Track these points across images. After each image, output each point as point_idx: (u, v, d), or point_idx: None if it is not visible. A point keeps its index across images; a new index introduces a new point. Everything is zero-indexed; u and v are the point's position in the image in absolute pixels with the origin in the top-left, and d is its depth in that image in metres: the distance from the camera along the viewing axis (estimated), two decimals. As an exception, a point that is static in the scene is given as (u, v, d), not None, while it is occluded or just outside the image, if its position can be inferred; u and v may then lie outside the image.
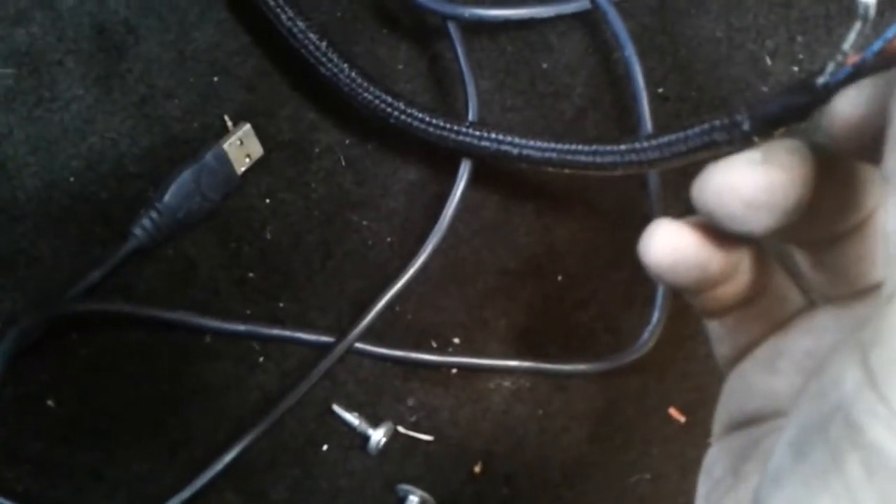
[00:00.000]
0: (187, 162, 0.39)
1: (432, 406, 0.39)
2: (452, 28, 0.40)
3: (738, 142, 0.23)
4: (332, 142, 0.42)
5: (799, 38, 0.43)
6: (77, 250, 0.38)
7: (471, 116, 0.40)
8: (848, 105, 0.24)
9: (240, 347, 0.39)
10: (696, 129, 0.25)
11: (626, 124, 0.43)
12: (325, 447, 0.38)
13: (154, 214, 0.39)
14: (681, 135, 0.26)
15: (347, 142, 0.42)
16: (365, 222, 0.42)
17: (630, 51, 0.40)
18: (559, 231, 0.42)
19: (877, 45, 0.20)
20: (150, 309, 0.38)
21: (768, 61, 0.43)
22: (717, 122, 0.24)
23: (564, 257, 0.42)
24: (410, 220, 0.42)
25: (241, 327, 0.39)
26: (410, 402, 0.39)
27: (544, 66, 0.43)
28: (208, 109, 0.41)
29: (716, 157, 0.23)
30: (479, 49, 0.42)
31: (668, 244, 0.25)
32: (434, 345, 0.41)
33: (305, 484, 0.38)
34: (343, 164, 0.42)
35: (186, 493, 0.36)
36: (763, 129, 0.23)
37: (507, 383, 0.40)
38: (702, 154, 0.25)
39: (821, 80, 0.21)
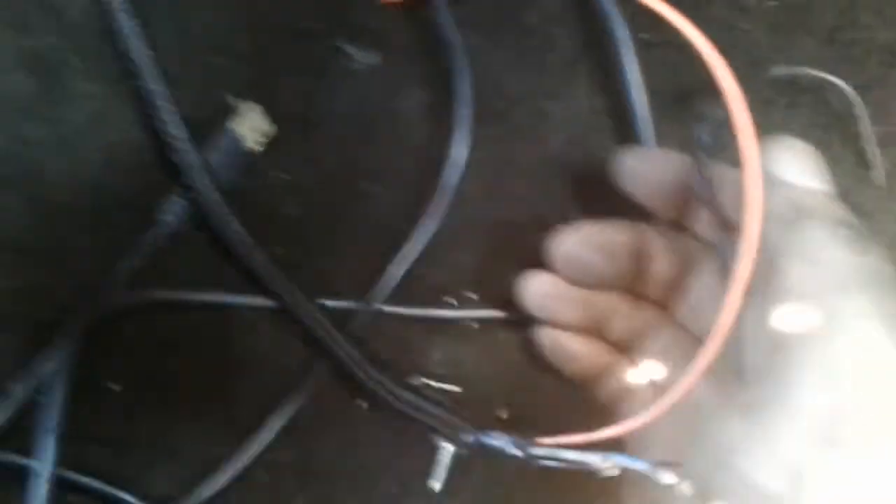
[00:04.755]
0: (201, 145, 0.41)
1: (457, 359, 0.42)
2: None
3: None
4: (335, 111, 0.44)
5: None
6: (111, 242, 0.41)
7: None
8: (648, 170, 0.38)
9: (274, 320, 0.42)
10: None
11: (615, 76, 0.44)
12: (364, 405, 0.42)
13: (177, 199, 0.42)
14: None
15: (351, 110, 0.44)
16: (377, 188, 0.44)
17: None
18: (560, 182, 0.45)
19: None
20: (190, 293, 0.41)
21: (748, -1, 0.45)
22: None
23: (566, 207, 0.45)
24: (419, 183, 0.44)
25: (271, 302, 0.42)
26: (436, 356, 0.43)
27: (530, 19, 0.45)
28: (214, 91, 0.43)
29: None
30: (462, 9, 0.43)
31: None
32: (452, 301, 0.44)
33: (349, 438, 0.42)
34: (349, 132, 0.44)
35: (243, 459, 0.40)
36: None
37: (524, 335, 0.43)
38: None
39: None
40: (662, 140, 0.44)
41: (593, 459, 0.36)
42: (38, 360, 0.39)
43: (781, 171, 0.34)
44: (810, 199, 0.33)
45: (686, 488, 0.31)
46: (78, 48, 0.42)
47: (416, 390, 0.41)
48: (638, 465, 0.35)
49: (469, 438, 0.37)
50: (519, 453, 0.36)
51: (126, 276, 0.41)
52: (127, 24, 0.41)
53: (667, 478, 0.33)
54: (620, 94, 0.44)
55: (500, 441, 0.37)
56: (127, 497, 0.40)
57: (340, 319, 0.42)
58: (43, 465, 0.39)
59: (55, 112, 0.42)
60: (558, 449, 0.37)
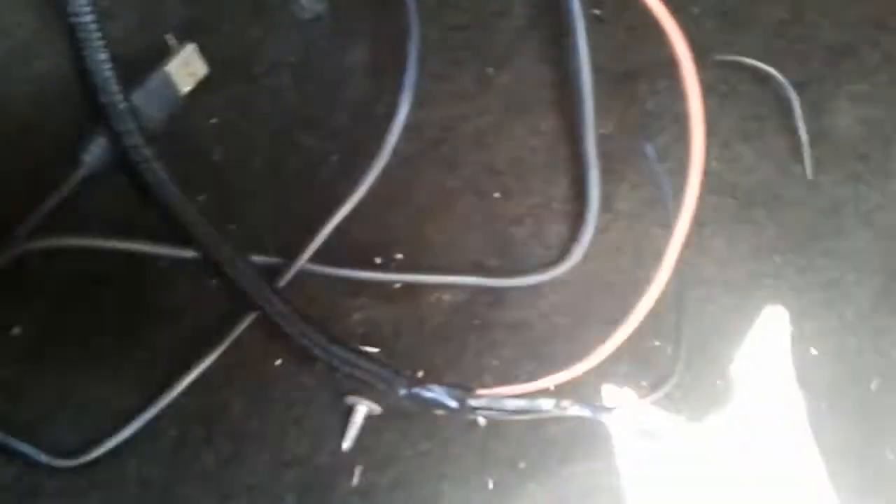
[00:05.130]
0: (131, 85, 0.39)
1: (377, 320, 0.42)
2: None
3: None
4: (276, 59, 0.43)
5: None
6: (32, 177, 0.38)
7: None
8: None
9: (194, 272, 0.40)
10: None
11: (564, 48, 0.44)
12: (278, 362, 0.41)
13: (101, 140, 0.39)
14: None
15: (292, 59, 0.43)
16: (311, 141, 0.43)
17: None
18: (498, 149, 0.44)
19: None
20: (106, 240, 0.39)
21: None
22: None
23: (502, 175, 0.44)
24: (356, 139, 0.43)
25: (194, 253, 0.40)
26: (357, 316, 0.42)
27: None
28: (151, 28, 0.41)
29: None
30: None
31: None
32: (378, 261, 0.43)
33: (261, 395, 0.41)
34: (288, 81, 0.43)
35: (151, 412, 0.38)
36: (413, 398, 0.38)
37: (446, 297, 0.43)
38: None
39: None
40: (603, 116, 0.44)
41: (534, 406, 0.36)
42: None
43: None
44: None
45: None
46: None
47: (349, 346, 0.40)
48: (579, 410, 0.35)
49: (404, 391, 0.37)
50: (455, 405, 0.37)
51: (41, 218, 0.39)
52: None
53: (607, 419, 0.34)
54: (567, 66, 0.44)
55: (436, 393, 0.37)
56: (22, 447, 0.38)
57: (265, 274, 0.40)
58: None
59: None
60: (497, 399, 0.37)
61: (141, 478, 0.39)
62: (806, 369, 0.44)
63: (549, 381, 0.39)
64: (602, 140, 0.44)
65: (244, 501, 0.40)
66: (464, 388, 0.39)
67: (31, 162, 0.39)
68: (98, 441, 0.39)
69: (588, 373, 0.40)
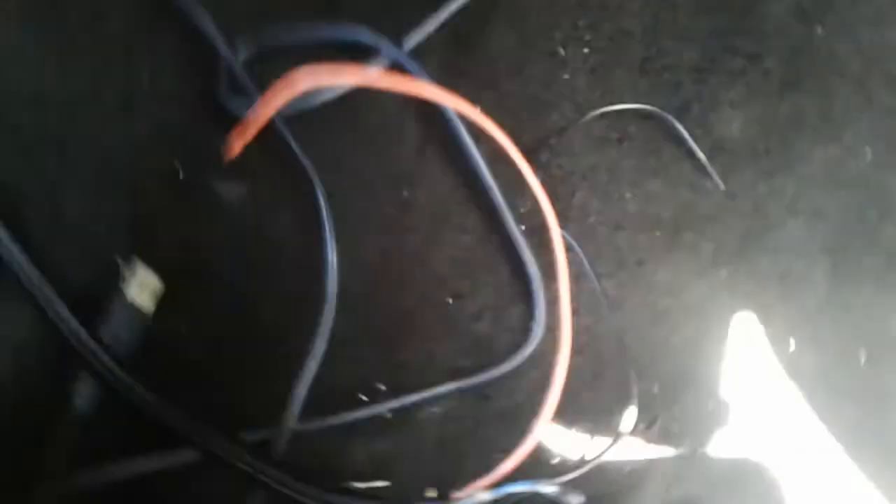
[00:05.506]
0: (97, 321, 0.43)
1: (380, 453, 0.44)
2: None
3: None
4: (216, 248, 0.46)
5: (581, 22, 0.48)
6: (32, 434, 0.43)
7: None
8: None
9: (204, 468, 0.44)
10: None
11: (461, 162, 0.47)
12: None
13: (88, 381, 0.43)
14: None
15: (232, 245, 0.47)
16: (267, 313, 0.46)
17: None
18: (436, 258, 0.47)
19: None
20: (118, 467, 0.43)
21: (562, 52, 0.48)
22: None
23: (447, 280, 0.47)
24: (304, 295, 0.46)
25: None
26: (360, 456, 0.44)
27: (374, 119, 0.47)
28: (98, 256, 0.45)
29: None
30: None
31: None
32: (364, 398, 0.46)
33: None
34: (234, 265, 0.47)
35: None
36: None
37: (436, 409, 0.45)
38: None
39: None
40: (519, 195, 0.46)
41: (505, 492, 0.38)
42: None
43: None
44: None
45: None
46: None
47: (349, 493, 0.43)
48: (546, 489, 0.37)
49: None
50: None
51: (53, 468, 0.43)
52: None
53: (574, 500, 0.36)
54: (469, 167, 0.47)
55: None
56: None
57: (262, 447, 0.43)
58: None
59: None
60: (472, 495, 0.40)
61: None
62: (790, 364, 0.44)
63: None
64: (524, 218, 0.46)
65: None
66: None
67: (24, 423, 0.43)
68: None
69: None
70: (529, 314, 0.46)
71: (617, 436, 0.44)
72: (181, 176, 0.46)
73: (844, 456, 0.43)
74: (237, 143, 0.43)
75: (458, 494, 0.39)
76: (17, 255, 0.43)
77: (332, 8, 0.45)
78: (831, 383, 0.44)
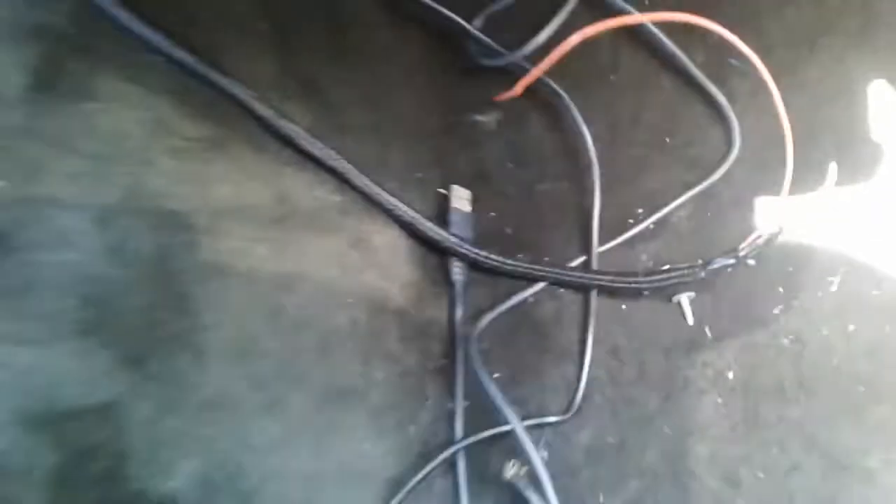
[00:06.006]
0: (443, 225, 0.65)
1: (652, 254, 0.65)
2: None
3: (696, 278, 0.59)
4: (501, 163, 0.68)
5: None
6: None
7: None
8: None
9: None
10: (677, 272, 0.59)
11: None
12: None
13: (459, 264, 0.65)
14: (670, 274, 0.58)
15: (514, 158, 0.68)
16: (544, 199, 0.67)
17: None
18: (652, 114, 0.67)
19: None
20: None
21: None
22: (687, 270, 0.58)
23: (660, 128, 0.67)
24: (569, 179, 0.67)
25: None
26: (642, 258, 0.65)
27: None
28: (431, 188, 0.66)
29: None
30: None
31: None
32: (630, 221, 0.66)
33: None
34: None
35: None
36: (709, 273, 0.58)
37: (681, 214, 0.65)
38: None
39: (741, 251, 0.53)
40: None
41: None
42: None
43: None
44: None
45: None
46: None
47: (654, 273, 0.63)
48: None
49: (702, 273, 0.59)
50: (733, 261, 0.58)
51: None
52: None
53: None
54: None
55: (720, 262, 0.59)
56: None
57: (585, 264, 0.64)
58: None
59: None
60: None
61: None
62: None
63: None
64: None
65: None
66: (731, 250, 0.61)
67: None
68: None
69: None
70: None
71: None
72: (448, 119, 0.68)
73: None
74: (519, 87, 0.64)
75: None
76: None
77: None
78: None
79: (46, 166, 0.47)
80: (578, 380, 0.63)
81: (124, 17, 0.51)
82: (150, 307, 0.49)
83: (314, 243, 0.59)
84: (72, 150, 0.48)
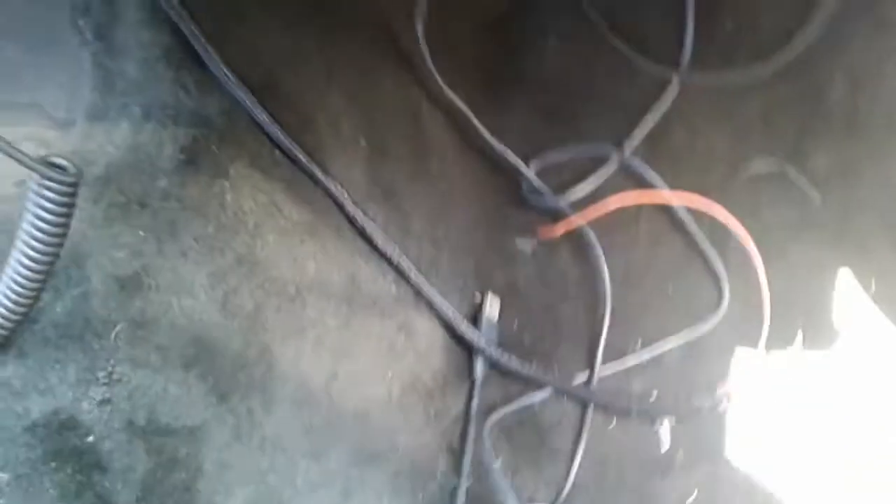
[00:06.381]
0: (477, 326, 0.77)
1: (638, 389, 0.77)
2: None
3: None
4: (527, 279, 0.80)
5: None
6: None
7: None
8: None
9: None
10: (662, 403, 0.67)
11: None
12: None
13: (481, 359, 0.77)
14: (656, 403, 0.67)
15: (540, 279, 0.81)
16: (558, 315, 0.80)
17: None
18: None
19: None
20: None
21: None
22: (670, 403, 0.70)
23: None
24: (582, 307, 0.79)
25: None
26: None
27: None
28: (469, 296, 0.79)
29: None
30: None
31: None
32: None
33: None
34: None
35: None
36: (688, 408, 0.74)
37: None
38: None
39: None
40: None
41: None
42: None
43: None
44: None
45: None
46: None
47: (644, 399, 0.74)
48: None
49: (682, 408, 0.71)
50: (709, 402, 0.70)
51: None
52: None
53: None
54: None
55: (698, 401, 0.70)
56: None
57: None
58: None
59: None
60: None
61: None
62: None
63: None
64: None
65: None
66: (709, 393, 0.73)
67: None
68: None
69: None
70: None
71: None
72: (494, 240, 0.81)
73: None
74: (559, 229, 0.78)
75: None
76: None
77: (574, 132, 0.82)
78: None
79: (181, 226, 0.59)
80: (566, 479, 0.73)
81: (263, 118, 0.64)
82: (241, 353, 0.60)
83: (371, 322, 0.70)
84: (203, 216, 0.60)
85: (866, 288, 0.77)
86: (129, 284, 0.55)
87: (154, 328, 0.56)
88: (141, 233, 0.56)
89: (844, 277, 0.79)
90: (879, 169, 0.78)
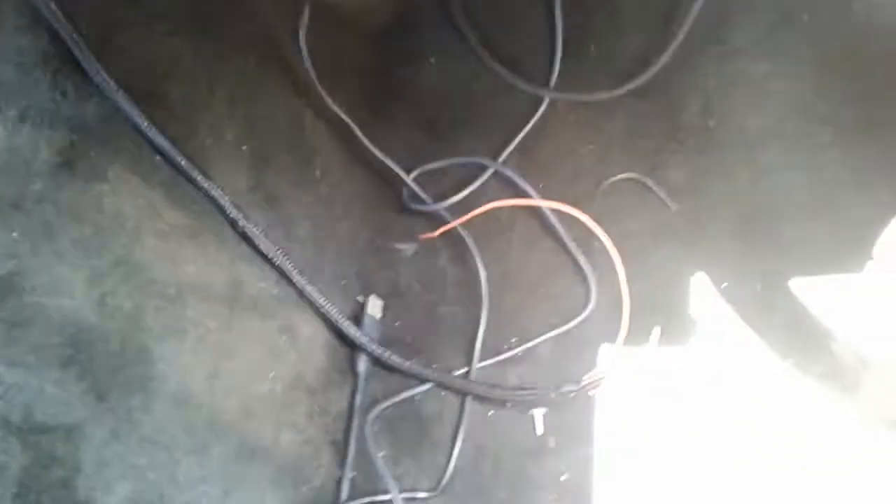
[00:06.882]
0: (360, 326, 0.80)
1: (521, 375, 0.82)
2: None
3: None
4: (411, 279, 0.85)
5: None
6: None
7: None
8: None
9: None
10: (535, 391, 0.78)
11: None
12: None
13: (364, 359, 0.80)
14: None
15: (418, 278, 0.85)
16: (445, 317, 0.84)
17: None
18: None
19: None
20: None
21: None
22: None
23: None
24: (463, 313, 0.84)
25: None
26: (511, 379, 0.82)
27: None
28: (350, 298, 0.82)
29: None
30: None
31: None
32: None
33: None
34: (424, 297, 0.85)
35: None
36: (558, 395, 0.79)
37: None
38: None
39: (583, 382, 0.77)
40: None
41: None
42: None
43: None
44: None
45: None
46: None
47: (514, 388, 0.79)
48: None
49: (552, 395, 0.76)
50: (576, 388, 0.76)
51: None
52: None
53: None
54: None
55: (566, 388, 0.76)
56: None
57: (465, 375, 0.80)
58: None
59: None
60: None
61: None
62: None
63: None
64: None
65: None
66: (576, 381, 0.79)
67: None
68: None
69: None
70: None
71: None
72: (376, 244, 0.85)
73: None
74: (438, 232, 0.82)
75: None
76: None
77: (452, 144, 0.87)
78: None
79: (57, 229, 0.60)
80: (446, 467, 0.77)
81: (143, 124, 0.66)
82: (119, 353, 0.61)
83: (253, 324, 0.72)
84: (79, 220, 0.61)
85: (718, 288, 0.86)
86: (2, 286, 0.55)
87: (29, 328, 0.56)
88: (14, 234, 0.57)
89: (698, 279, 0.87)
90: (729, 181, 0.86)
